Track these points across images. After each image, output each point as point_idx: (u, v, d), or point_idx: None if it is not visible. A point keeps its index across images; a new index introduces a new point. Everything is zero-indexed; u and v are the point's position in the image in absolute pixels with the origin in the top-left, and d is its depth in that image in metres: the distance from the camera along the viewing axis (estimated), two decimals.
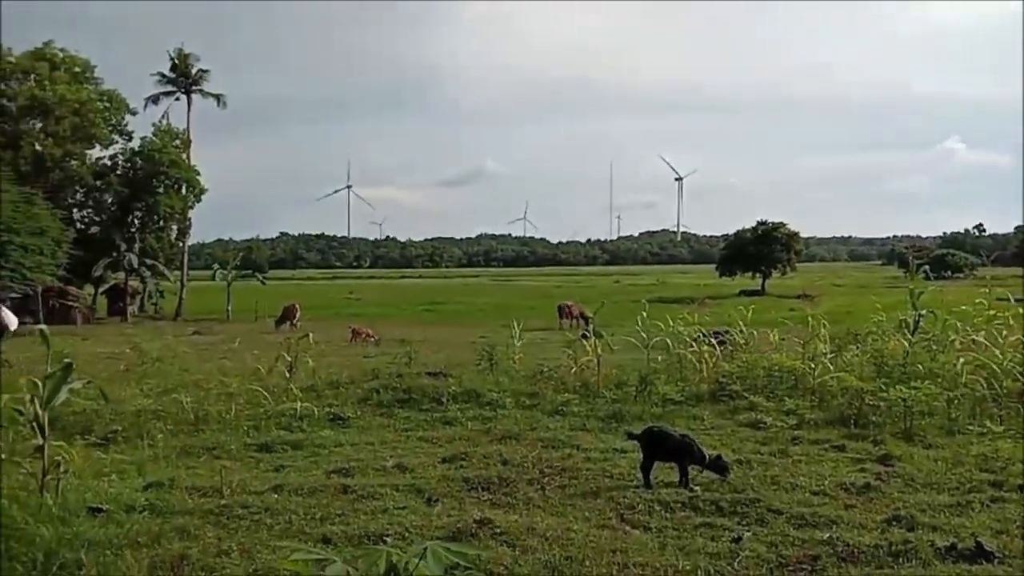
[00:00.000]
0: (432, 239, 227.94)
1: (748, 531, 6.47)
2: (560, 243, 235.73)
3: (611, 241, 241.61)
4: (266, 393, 11.80)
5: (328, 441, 10.03)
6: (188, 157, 52.64)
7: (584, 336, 16.37)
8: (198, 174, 52.92)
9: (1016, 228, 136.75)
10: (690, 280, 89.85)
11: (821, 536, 6.26)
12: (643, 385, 12.68)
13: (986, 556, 5.75)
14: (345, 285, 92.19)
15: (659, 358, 14.75)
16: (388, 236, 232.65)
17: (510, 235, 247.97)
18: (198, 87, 53.69)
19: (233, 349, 19.68)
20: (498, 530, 6.30)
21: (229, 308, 48.79)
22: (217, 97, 54.32)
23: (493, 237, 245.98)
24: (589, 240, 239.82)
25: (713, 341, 14.48)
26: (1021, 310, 13.97)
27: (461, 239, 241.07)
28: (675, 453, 7.97)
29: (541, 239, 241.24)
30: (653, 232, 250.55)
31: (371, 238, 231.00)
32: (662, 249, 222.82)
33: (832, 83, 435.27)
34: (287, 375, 12.63)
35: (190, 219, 54.22)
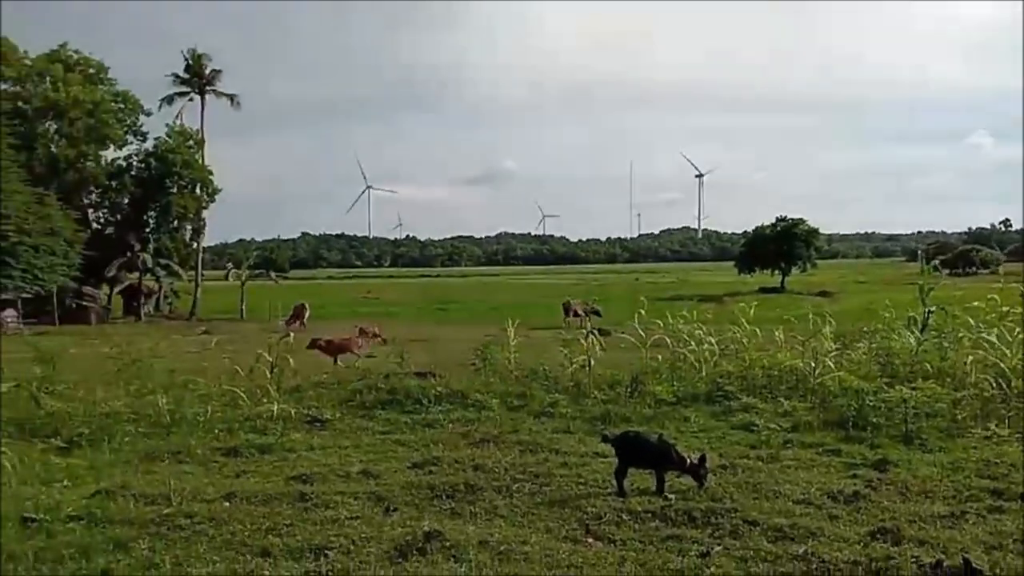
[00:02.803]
0: (452, 238, 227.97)
1: (719, 544, 5.99)
2: (580, 241, 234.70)
3: (632, 239, 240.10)
4: (243, 395, 11.47)
5: (299, 445, 9.65)
6: (202, 157, 52.82)
7: (595, 334, 15.81)
8: (211, 174, 53.04)
9: None
10: (710, 278, 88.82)
11: (796, 551, 5.76)
12: (634, 385, 12.20)
13: (974, 575, 5.24)
14: (363, 284, 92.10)
15: (659, 357, 14.26)
16: (408, 235, 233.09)
17: (530, 234, 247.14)
18: (211, 87, 53.72)
19: (224, 349, 19.28)
20: (448, 544, 5.87)
21: (243, 307, 48.94)
22: (231, 97, 54.33)
23: (513, 236, 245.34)
24: (609, 238, 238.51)
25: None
26: None
27: (481, 238, 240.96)
28: (652, 459, 7.51)
29: (561, 238, 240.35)
30: (674, 229, 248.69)
31: (391, 238, 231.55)
32: (683, 246, 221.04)
33: (854, 80, 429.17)
34: (268, 375, 12.28)
35: (204, 219, 54.43)
